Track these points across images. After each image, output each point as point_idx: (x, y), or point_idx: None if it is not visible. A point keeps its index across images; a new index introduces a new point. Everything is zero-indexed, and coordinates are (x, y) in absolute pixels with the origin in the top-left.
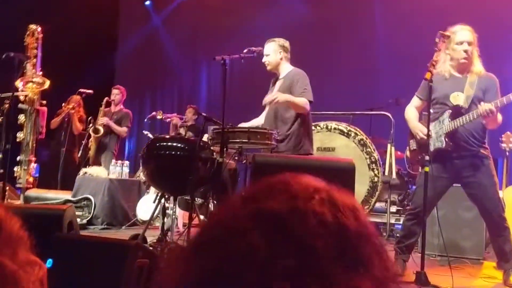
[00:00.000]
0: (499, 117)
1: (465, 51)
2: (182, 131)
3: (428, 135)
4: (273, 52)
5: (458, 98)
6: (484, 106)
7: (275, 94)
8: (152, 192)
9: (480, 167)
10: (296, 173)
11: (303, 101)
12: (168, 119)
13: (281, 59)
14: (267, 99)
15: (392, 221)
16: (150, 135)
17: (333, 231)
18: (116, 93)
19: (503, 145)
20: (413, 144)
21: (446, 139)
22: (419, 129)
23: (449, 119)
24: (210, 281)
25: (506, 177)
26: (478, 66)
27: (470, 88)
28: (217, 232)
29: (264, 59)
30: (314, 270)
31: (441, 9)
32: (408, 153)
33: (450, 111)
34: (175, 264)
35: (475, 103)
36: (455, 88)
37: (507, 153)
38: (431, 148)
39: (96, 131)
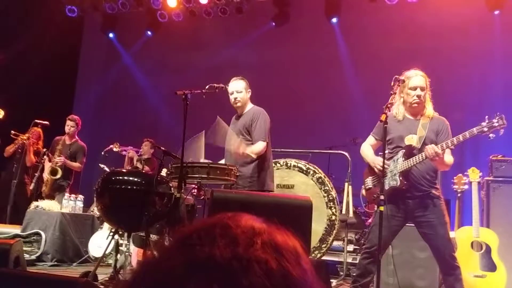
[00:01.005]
0: (449, 159)
1: (418, 96)
2: (139, 165)
3: (384, 173)
4: (244, 89)
5: (412, 139)
6: (430, 149)
7: (239, 146)
8: (106, 227)
9: (431, 207)
10: (236, 212)
11: (259, 148)
12: (124, 152)
13: (248, 97)
14: (230, 147)
15: (349, 260)
16: (106, 168)
17: (278, 281)
18: (71, 125)
19: (455, 186)
20: (368, 183)
21: (401, 178)
22: (377, 162)
23: (403, 159)
24: None
25: (458, 218)
26: (429, 109)
27: (422, 129)
28: (150, 281)
29: (236, 96)
30: None
31: (402, 52)
32: (363, 192)
33: (404, 151)
34: None
35: (427, 144)
36: (408, 130)
37: (459, 195)
38: (386, 187)
39: (54, 172)
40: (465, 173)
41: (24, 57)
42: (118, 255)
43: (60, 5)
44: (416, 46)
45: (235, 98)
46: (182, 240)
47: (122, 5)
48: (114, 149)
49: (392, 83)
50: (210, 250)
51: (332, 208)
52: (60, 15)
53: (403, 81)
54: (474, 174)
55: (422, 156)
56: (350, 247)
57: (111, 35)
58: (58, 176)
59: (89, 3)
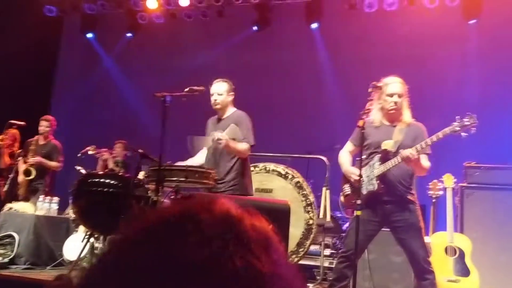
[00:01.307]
0: (425, 164)
1: (395, 103)
2: (114, 167)
3: (360, 179)
4: (226, 92)
5: (388, 144)
6: (405, 151)
7: (223, 135)
8: (81, 230)
9: (407, 212)
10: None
11: (244, 148)
12: (99, 155)
13: (230, 101)
14: (215, 134)
15: (326, 264)
16: (83, 171)
17: (247, 280)
18: (45, 125)
19: (430, 192)
20: (347, 189)
21: (378, 182)
22: (351, 173)
23: (379, 163)
24: None
25: (433, 223)
26: (407, 116)
27: (399, 134)
28: (108, 277)
29: (216, 98)
30: None
31: (381, 58)
32: (342, 198)
33: (380, 155)
34: None
35: (403, 149)
36: (386, 136)
37: (434, 200)
38: (364, 192)
39: (27, 173)
40: (440, 179)
41: (0, 57)
42: (94, 259)
43: (38, 4)
44: (395, 53)
45: (215, 100)
46: (148, 231)
47: (101, 5)
48: (90, 152)
49: (370, 89)
50: (181, 249)
51: (310, 212)
52: (39, 15)
53: (381, 87)
54: (448, 180)
55: (397, 160)
56: (327, 252)
57: (90, 35)
58: (32, 176)
59: (68, 3)
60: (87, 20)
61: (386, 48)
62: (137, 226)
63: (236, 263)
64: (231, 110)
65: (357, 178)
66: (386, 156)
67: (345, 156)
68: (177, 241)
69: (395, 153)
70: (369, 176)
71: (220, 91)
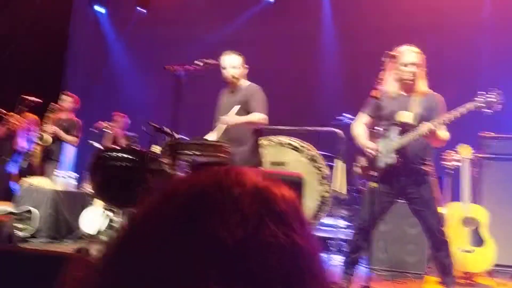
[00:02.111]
0: (444, 135)
1: (411, 73)
2: (123, 141)
3: (377, 152)
4: (240, 65)
5: (406, 116)
6: (424, 127)
7: (231, 117)
8: (97, 203)
9: (422, 184)
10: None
11: (258, 116)
12: (110, 130)
13: (245, 74)
14: (225, 119)
15: (341, 236)
16: (97, 145)
17: (289, 256)
18: (69, 101)
19: (445, 163)
20: (362, 161)
21: (396, 155)
22: (368, 147)
23: (398, 136)
24: None
25: (448, 194)
26: (423, 86)
27: (416, 106)
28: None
29: (231, 71)
30: None
31: (392, 28)
32: (358, 169)
33: (399, 128)
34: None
35: (422, 121)
36: (401, 107)
37: (450, 171)
38: (382, 164)
39: (44, 139)
40: (454, 149)
41: (10, 31)
42: (112, 232)
43: None
44: (409, 22)
45: (232, 76)
46: (180, 205)
47: None
48: (105, 129)
49: (384, 59)
50: (220, 227)
51: (325, 185)
52: None
53: (395, 56)
54: (466, 151)
55: (417, 133)
56: (342, 223)
57: (100, 9)
58: (49, 142)
59: None
60: None
61: (400, 17)
62: (165, 199)
63: (281, 240)
64: (245, 83)
65: (374, 154)
66: (405, 129)
67: (360, 128)
68: (215, 219)
69: (415, 126)
70: (387, 149)
71: (235, 64)
